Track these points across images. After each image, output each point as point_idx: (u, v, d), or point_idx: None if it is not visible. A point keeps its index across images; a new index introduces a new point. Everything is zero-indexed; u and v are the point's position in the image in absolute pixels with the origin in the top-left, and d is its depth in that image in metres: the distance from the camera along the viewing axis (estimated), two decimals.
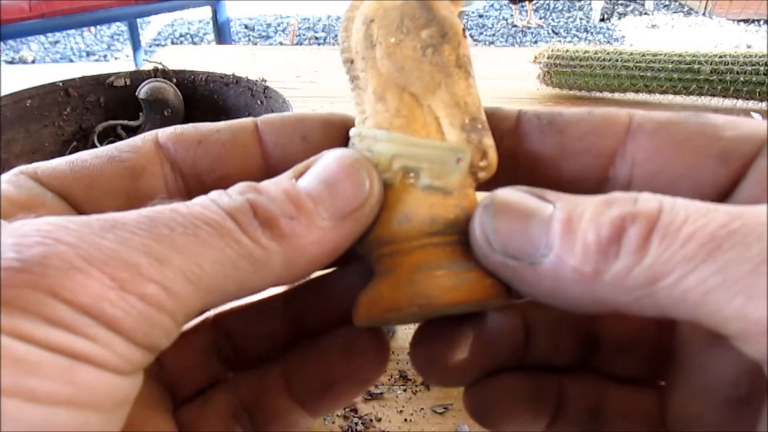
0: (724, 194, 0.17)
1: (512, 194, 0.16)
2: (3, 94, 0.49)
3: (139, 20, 2.30)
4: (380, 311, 0.17)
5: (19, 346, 0.11)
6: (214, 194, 0.15)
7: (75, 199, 0.17)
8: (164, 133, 0.19)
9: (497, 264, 0.16)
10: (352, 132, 0.19)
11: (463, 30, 0.19)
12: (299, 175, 0.16)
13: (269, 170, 0.19)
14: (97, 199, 0.18)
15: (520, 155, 0.19)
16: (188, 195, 0.19)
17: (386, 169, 0.18)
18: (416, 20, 0.19)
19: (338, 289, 0.21)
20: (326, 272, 0.21)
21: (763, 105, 0.78)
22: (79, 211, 0.17)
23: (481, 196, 0.18)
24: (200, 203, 0.15)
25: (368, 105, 0.20)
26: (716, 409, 0.17)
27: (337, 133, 0.19)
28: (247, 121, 0.19)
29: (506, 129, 0.19)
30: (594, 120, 0.18)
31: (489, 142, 0.18)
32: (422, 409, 0.43)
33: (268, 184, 0.16)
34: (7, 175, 0.17)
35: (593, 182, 0.18)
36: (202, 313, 0.15)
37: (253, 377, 0.20)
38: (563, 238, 0.14)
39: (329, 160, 0.17)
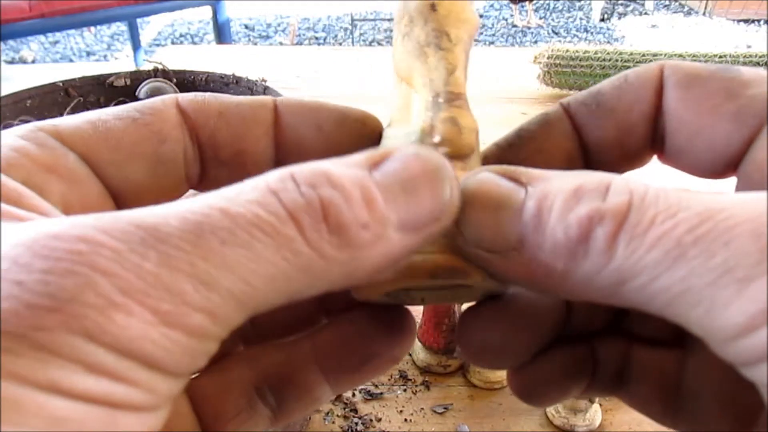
0: (739, 154, 0.17)
1: (483, 181, 0.15)
2: (3, 94, 0.49)
3: (139, 20, 2.30)
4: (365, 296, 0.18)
5: (58, 402, 0.10)
6: (277, 181, 0.13)
7: (98, 162, 0.17)
8: (185, 98, 0.18)
9: (471, 255, 0.16)
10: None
11: (432, 5, 0.18)
12: (374, 165, 0.14)
13: (282, 151, 0.19)
14: (122, 163, 0.17)
15: (587, 146, 0.19)
16: (202, 164, 0.19)
17: None
18: (398, 12, 0.19)
19: None
20: None
21: None
22: (101, 174, 0.17)
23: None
24: (258, 199, 0.13)
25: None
26: (729, 374, 0.17)
27: (352, 126, 0.19)
28: (267, 99, 0.19)
29: (565, 130, 0.19)
30: (633, 86, 0.18)
31: (445, 114, 0.17)
32: (422, 409, 0.43)
33: (341, 173, 0.13)
34: (22, 130, 0.16)
35: (648, 142, 0.18)
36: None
37: (277, 352, 0.19)
38: (533, 233, 0.14)
39: (411, 159, 0.14)
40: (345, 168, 0.14)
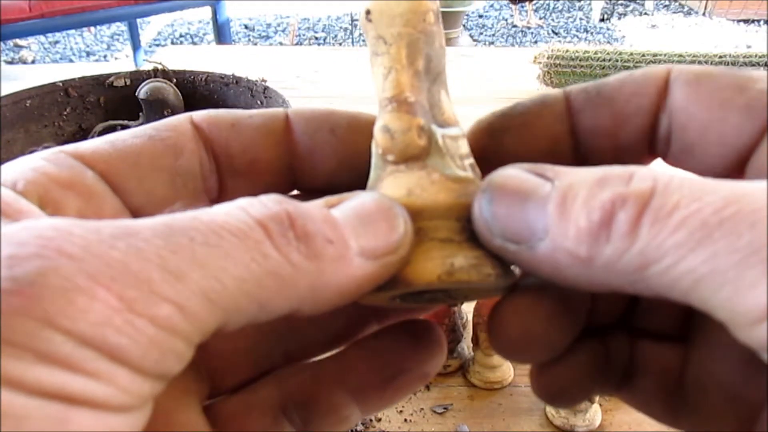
0: (749, 147, 0.17)
1: (509, 175, 0.16)
2: (3, 94, 0.49)
3: (139, 20, 2.30)
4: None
5: (7, 396, 0.10)
6: (244, 201, 0.14)
7: (118, 179, 0.17)
8: (199, 114, 0.19)
9: (497, 248, 0.16)
10: None
11: (367, 13, 0.18)
12: (332, 206, 0.15)
13: (296, 158, 0.19)
14: (142, 177, 0.17)
15: (579, 132, 0.19)
16: (219, 177, 0.19)
17: None
18: None
19: None
20: None
21: None
22: (121, 190, 0.17)
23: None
24: (226, 210, 0.13)
25: None
26: (734, 369, 0.18)
27: (364, 131, 0.19)
28: (279, 110, 0.19)
29: (559, 112, 0.19)
30: (636, 79, 0.18)
31: (378, 124, 0.17)
32: (422, 409, 0.43)
33: (303, 204, 0.15)
34: (44, 153, 0.16)
35: (646, 141, 0.19)
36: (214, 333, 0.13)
37: (302, 371, 0.19)
38: (558, 221, 0.14)
39: (366, 198, 0.16)
40: (305, 203, 0.15)
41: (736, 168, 0.17)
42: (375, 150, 0.18)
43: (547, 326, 0.19)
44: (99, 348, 0.11)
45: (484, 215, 0.16)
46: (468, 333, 0.48)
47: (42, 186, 0.15)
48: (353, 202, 0.16)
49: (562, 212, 0.14)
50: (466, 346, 0.47)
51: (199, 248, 0.12)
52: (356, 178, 0.19)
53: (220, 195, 0.20)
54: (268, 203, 0.14)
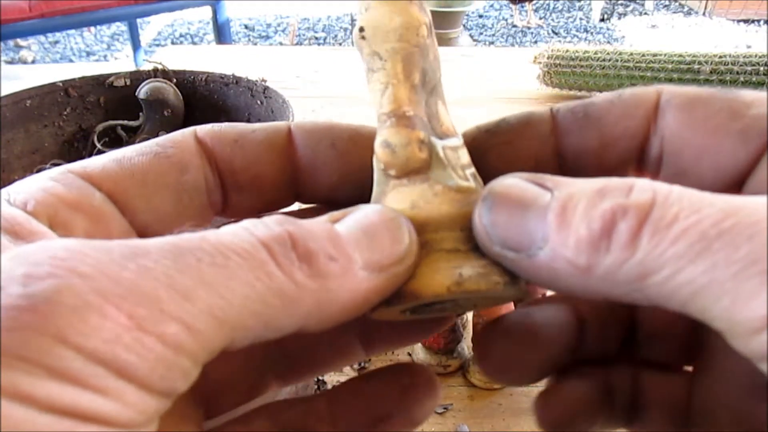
0: (744, 173, 0.17)
1: (510, 184, 0.16)
2: (3, 94, 0.49)
3: (139, 20, 2.30)
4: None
5: (17, 410, 0.10)
6: (248, 223, 0.14)
7: (125, 198, 0.17)
8: (202, 129, 0.19)
9: (496, 255, 0.16)
10: None
11: (361, 30, 0.18)
12: (335, 221, 0.15)
13: (298, 172, 0.19)
14: (149, 195, 0.18)
15: (565, 153, 0.19)
16: (223, 192, 0.19)
17: None
18: None
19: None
20: None
21: None
22: (129, 208, 0.17)
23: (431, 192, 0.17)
24: (231, 231, 0.14)
25: None
26: (741, 396, 0.18)
27: (366, 144, 0.19)
28: (281, 124, 0.19)
29: (544, 132, 0.19)
30: (625, 102, 0.18)
31: (378, 139, 0.17)
32: None
33: (306, 221, 0.15)
34: (52, 173, 0.16)
35: (633, 163, 0.19)
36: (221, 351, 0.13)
37: (295, 405, 0.20)
38: (558, 230, 0.14)
39: (369, 210, 0.16)
40: (308, 220, 0.15)
41: (731, 193, 0.17)
42: (377, 165, 0.18)
43: (527, 351, 0.19)
44: (108, 365, 0.11)
45: (484, 223, 0.16)
46: (468, 333, 0.48)
47: (52, 207, 0.15)
48: (357, 216, 0.16)
49: (562, 221, 0.14)
50: (466, 346, 0.47)
51: (206, 268, 0.12)
52: (358, 191, 0.19)
53: (225, 209, 0.20)
54: (271, 224, 0.14)
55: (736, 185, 0.17)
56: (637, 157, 0.19)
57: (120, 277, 0.12)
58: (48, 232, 0.15)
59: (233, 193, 0.19)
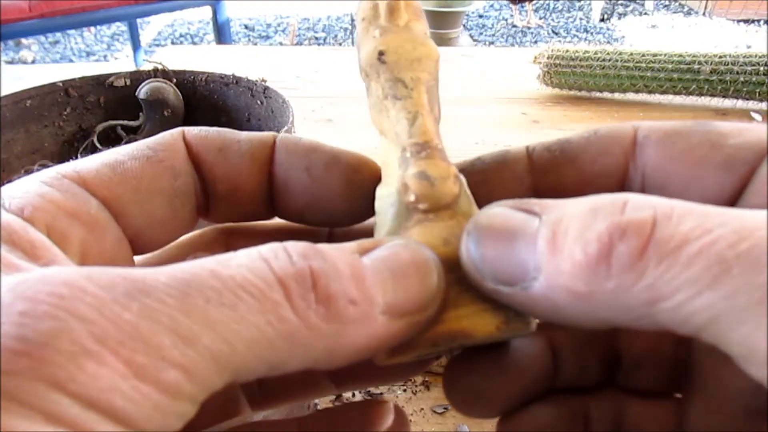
0: (730, 202, 0.17)
1: (495, 214, 0.15)
2: (3, 94, 0.49)
3: (139, 20, 2.30)
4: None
5: None
6: (270, 252, 0.13)
7: (119, 205, 0.17)
8: (191, 132, 0.19)
9: (490, 291, 0.15)
10: None
11: (380, 54, 0.17)
12: (365, 252, 0.15)
13: (274, 189, 0.19)
14: (143, 201, 0.17)
15: (542, 192, 0.18)
16: (204, 198, 0.19)
17: None
18: (359, 67, 0.18)
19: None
20: None
21: (763, 105, 0.78)
22: (123, 215, 0.17)
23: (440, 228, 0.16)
24: (247, 263, 0.13)
25: None
26: (734, 421, 0.17)
27: (345, 172, 0.18)
28: (268, 137, 0.19)
29: (520, 171, 0.19)
30: (602, 139, 0.18)
31: (413, 170, 0.17)
32: (422, 409, 0.43)
33: (333, 253, 0.14)
34: (45, 177, 0.16)
35: None
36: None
37: (269, 426, 0.20)
38: (550, 257, 0.14)
39: (401, 248, 0.15)
40: (336, 248, 0.14)
41: None
42: (399, 197, 0.17)
43: (491, 385, 0.19)
44: (104, 412, 0.11)
45: (473, 258, 0.15)
46: None
47: (49, 214, 0.15)
48: (387, 252, 0.15)
49: (554, 248, 0.14)
50: None
51: (214, 310, 0.12)
52: (325, 216, 0.19)
53: (208, 214, 0.20)
54: (294, 256, 0.13)
55: None
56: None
57: (121, 320, 0.11)
58: (46, 242, 0.14)
59: (213, 201, 0.19)
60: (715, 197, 0.17)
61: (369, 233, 0.20)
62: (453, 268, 0.16)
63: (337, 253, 0.14)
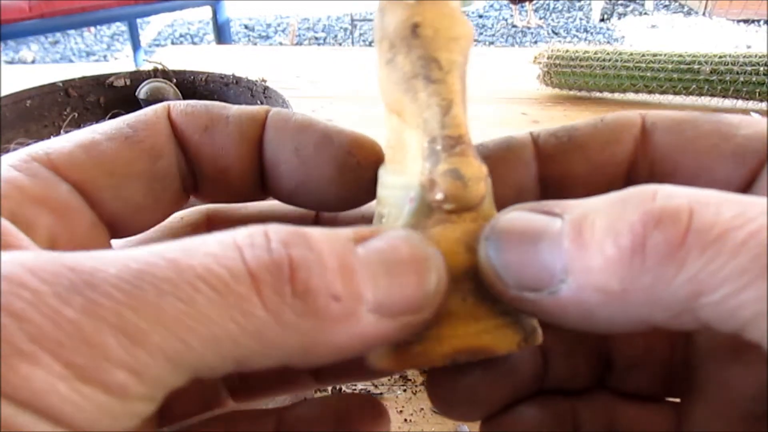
0: (739, 192, 0.16)
1: (514, 217, 0.14)
2: (3, 94, 0.49)
3: (139, 20, 2.30)
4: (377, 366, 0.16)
5: None
6: (246, 237, 0.12)
7: (93, 189, 0.16)
8: (176, 108, 0.18)
9: (514, 300, 0.14)
10: None
11: (415, 26, 0.15)
12: (360, 241, 0.13)
13: (264, 168, 0.18)
14: (118, 186, 0.16)
15: (549, 180, 0.18)
16: (192, 178, 0.18)
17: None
18: (377, 33, 0.16)
19: None
20: None
21: (763, 105, 0.77)
22: (96, 200, 0.16)
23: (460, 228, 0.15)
24: (215, 251, 0.12)
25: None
26: (736, 426, 0.17)
27: (337, 155, 0.17)
28: (259, 112, 0.18)
29: (526, 157, 0.18)
30: (609, 127, 0.18)
31: (444, 167, 0.15)
32: (422, 409, 0.43)
33: (322, 241, 0.12)
34: (16, 161, 0.15)
35: (617, 186, 0.18)
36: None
37: (250, 416, 0.19)
38: (578, 256, 0.13)
39: (400, 241, 0.13)
40: (327, 235, 0.13)
41: None
42: (422, 193, 0.15)
43: (482, 384, 0.18)
44: (42, 413, 0.10)
45: (494, 265, 0.14)
46: None
47: (15, 201, 0.14)
48: (384, 244, 0.13)
49: (581, 245, 0.13)
50: None
51: (167, 306, 0.11)
52: (315, 199, 0.18)
53: (198, 193, 0.19)
54: (274, 243, 0.12)
55: None
56: (624, 183, 0.18)
57: (61, 317, 0.10)
58: (11, 229, 0.14)
59: (200, 181, 0.18)
60: (725, 187, 0.16)
61: (359, 220, 0.19)
62: (472, 275, 0.15)
63: (326, 241, 0.13)
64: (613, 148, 0.18)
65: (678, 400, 0.19)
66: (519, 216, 0.14)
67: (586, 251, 0.13)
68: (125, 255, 0.11)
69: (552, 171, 0.18)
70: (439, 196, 0.15)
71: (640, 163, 0.18)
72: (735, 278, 0.11)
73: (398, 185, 0.16)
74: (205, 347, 0.11)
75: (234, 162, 0.18)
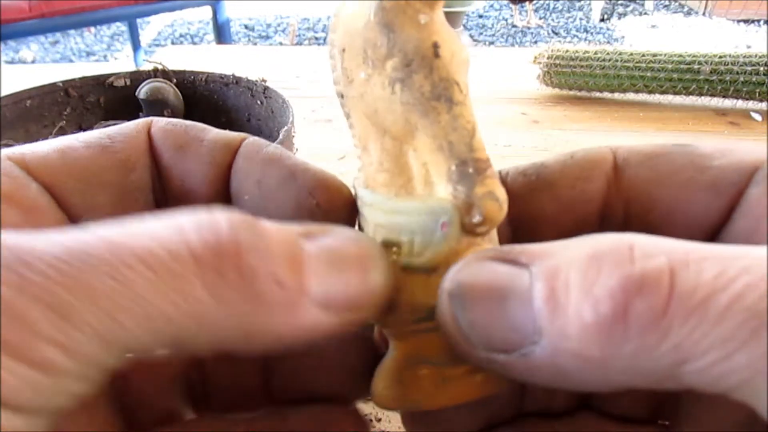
0: (717, 226, 0.17)
1: (478, 270, 0.14)
2: (3, 94, 0.49)
3: (139, 20, 2.30)
4: (378, 402, 0.16)
5: None
6: (194, 220, 0.12)
7: (63, 192, 0.16)
8: (157, 124, 0.18)
9: (482, 361, 0.14)
10: (354, 180, 0.17)
11: (435, 45, 0.15)
12: (310, 236, 0.14)
13: (232, 198, 0.18)
14: (87, 192, 0.17)
15: (517, 220, 0.17)
16: (164, 195, 0.18)
17: None
18: (378, 49, 0.15)
19: (325, 355, 0.18)
20: None
21: (763, 105, 0.78)
22: (65, 203, 0.16)
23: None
24: (161, 232, 0.12)
25: (360, 151, 0.17)
26: None
27: (298, 194, 0.17)
28: (234, 139, 0.18)
29: None
30: (579, 164, 0.17)
31: (482, 189, 0.15)
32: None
33: (271, 229, 0.13)
34: None
35: (594, 227, 0.17)
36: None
37: (220, 422, 0.18)
38: (552, 319, 0.12)
39: (347, 239, 0.14)
40: (278, 226, 0.13)
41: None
42: (457, 218, 0.15)
43: (457, 412, 0.18)
44: None
45: (461, 325, 0.13)
46: None
47: None
48: (333, 241, 0.14)
49: (555, 307, 0.12)
50: None
51: (100, 285, 0.11)
52: None
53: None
54: (223, 224, 0.12)
55: (708, 239, 0.17)
56: (597, 222, 0.17)
57: None
58: None
59: (171, 200, 0.18)
60: (703, 221, 0.16)
61: None
62: None
63: (276, 231, 0.13)
64: (583, 186, 0.17)
65: (666, 422, 0.19)
66: (483, 269, 0.13)
67: (561, 315, 0.12)
68: (66, 235, 0.11)
69: (521, 211, 0.17)
70: (477, 219, 0.15)
71: (614, 200, 0.17)
72: (720, 346, 0.11)
73: (415, 210, 0.15)
74: (139, 326, 0.11)
75: (200, 185, 0.18)
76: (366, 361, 0.18)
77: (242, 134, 0.18)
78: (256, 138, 0.18)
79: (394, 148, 0.16)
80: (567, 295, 0.12)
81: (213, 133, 0.18)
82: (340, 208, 0.17)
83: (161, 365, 0.18)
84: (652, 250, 0.12)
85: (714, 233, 0.17)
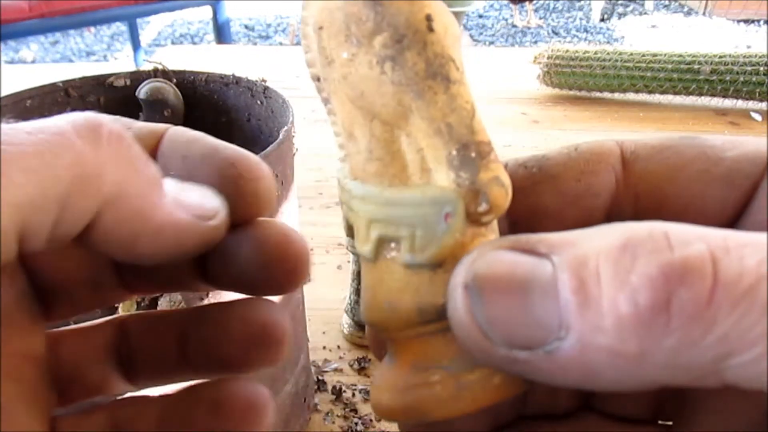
0: (732, 218, 0.16)
1: (496, 260, 0.12)
2: (3, 94, 0.49)
3: (139, 20, 2.30)
4: (382, 414, 0.15)
5: None
6: (71, 119, 0.13)
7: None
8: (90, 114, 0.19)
9: (502, 360, 0.12)
10: (337, 172, 0.16)
11: (428, 18, 0.13)
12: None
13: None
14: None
15: (517, 215, 0.16)
16: None
17: (365, 240, 0.15)
18: (363, 24, 0.14)
19: (237, 318, 0.18)
20: (227, 302, 0.18)
21: (763, 105, 0.78)
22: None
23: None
24: (45, 121, 0.13)
25: (343, 140, 0.16)
26: None
27: (217, 164, 0.17)
28: (159, 127, 0.18)
29: None
30: (584, 156, 0.16)
31: (487, 174, 0.13)
32: None
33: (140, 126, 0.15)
34: None
35: (598, 224, 0.17)
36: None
37: (134, 402, 0.18)
38: (582, 312, 0.11)
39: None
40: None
41: None
42: (462, 206, 0.14)
43: (453, 422, 0.17)
44: None
45: (479, 321, 0.12)
46: None
47: None
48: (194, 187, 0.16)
49: (586, 300, 0.11)
50: None
51: None
52: None
53: None
54: (94, 116, 0.14)
55: None
56: (601, 218, 0.16)
57: None
58: None
59: None
60: (718, 213, 0.16)
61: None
62: None
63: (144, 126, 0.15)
64: (589, 179, 0.16)
65: (670, 423, 0.19)
66: (500, 258, 0.12)
67: (592, 308, 0.11)
68: None
69: (520, 205, 0.16)
70: (483, 207, 0.14)
71: (623, 194, 0.16)
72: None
73: (414, 201, 0.14)
74: (29, 182, 0.12)
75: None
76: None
77: (164, 125, 0.19)
78: (180, 127, 0.19)
79: (384, 133, 0.14)
80: (598, 286, 0.11)
81: (140, 123, 0.19)
82: (261, 178, 0.17)
83: (92, 333, 0.18)
84: (689, 237, 0.11)
85: (729, 226, 0.16)
